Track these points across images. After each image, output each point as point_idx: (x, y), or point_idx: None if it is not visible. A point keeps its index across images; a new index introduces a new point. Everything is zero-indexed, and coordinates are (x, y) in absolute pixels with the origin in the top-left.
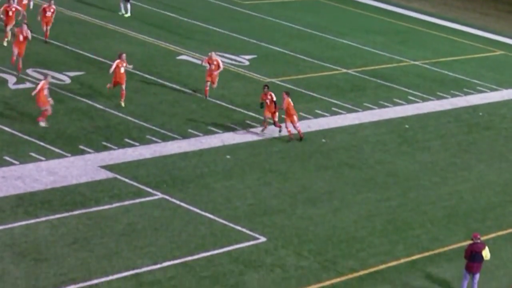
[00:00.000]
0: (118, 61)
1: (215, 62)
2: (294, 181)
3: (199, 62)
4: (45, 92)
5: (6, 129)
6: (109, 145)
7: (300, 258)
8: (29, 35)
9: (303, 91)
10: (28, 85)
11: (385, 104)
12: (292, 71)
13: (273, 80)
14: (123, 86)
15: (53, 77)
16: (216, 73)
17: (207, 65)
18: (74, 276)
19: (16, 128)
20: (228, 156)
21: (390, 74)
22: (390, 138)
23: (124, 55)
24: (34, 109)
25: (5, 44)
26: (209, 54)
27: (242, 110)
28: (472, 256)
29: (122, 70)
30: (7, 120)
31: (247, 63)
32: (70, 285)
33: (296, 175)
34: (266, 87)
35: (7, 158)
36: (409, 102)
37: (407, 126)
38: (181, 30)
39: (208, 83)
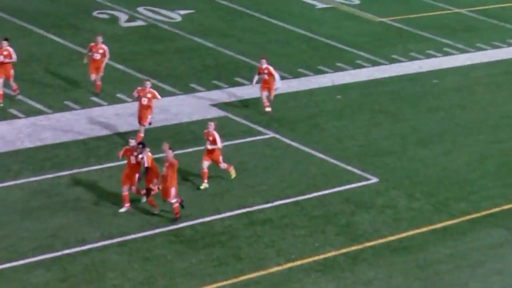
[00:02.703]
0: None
1: (100, 51)
2: (404, 122)
3: None
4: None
5: (119, 66)
6: (219, 83)
7: (411, 200)
8: None
9: (414, 31)
10: (139, 23)
11: (498, 44)
12: (403, 10)
13: (383, 19)
14: None
15: (164, 15)
16: (102, 61)
17: (90, 55)
18: (188, 213)
19: (128, 66)
20: (338, 96)
21: (504, 14)
22: (503, 80)
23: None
24: (145, 47)
25: None
26: (96, 38)
27: (352, 50)
28: None
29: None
30: (119, 57)
31: (357, 2)
32: (183, 222)
33: (406, 116)
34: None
35: (120, 96)
36: None
37: None
38: None
39: (93, 76)
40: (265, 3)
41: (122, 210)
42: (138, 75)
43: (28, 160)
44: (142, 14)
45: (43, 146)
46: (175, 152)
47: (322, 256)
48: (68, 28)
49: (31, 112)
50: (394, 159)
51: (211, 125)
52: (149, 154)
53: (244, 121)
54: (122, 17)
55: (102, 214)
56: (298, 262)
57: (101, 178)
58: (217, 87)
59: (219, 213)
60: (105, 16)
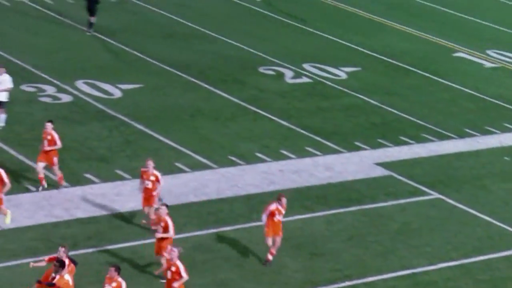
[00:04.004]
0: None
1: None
2: None
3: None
4: None
5: (284, 123)
6: (384, 142)
7: None
8: None
9: None
10: (304, 79)
11: None
12: None
13: None
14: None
15: (329, 72)
16: (48, 149)
17: None
18: (349, 272)
19: (293, 122)
20: (506, 158)
21: None
22: None
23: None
24: (311, 103)
25: None
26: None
27: None
28: None
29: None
30: (284, 114)
31: None
32: (345, 282)
33: None
34: None
35: (284, 152)
36: None
37: None
38: (457, 25)
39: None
40: (432, 61)
41: None
42: (303, 132)
43: (193, 214)
44: (307, 71)
45: (207, 201)
46: (337, 211)
47: None
48: (234, 84)
49: (196, 167)
50: None
51: (175, 252)
52: (66, 277)
53: (409, 181)
54: (288, 73)
55: (264, 272)
56: None
57: (264, 235)
58: (382, 146)
59: (382, 273)
60: (271, 72)
